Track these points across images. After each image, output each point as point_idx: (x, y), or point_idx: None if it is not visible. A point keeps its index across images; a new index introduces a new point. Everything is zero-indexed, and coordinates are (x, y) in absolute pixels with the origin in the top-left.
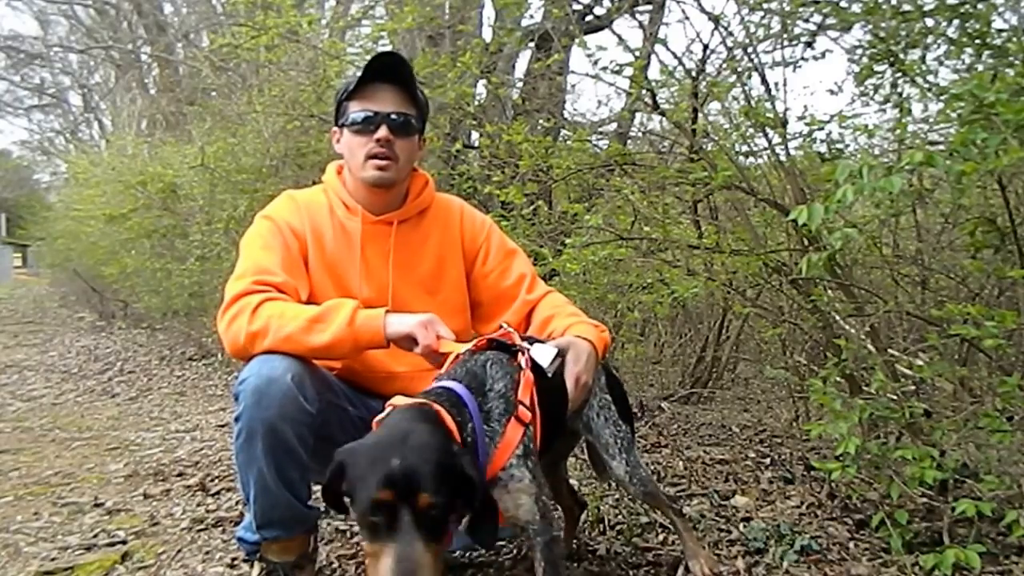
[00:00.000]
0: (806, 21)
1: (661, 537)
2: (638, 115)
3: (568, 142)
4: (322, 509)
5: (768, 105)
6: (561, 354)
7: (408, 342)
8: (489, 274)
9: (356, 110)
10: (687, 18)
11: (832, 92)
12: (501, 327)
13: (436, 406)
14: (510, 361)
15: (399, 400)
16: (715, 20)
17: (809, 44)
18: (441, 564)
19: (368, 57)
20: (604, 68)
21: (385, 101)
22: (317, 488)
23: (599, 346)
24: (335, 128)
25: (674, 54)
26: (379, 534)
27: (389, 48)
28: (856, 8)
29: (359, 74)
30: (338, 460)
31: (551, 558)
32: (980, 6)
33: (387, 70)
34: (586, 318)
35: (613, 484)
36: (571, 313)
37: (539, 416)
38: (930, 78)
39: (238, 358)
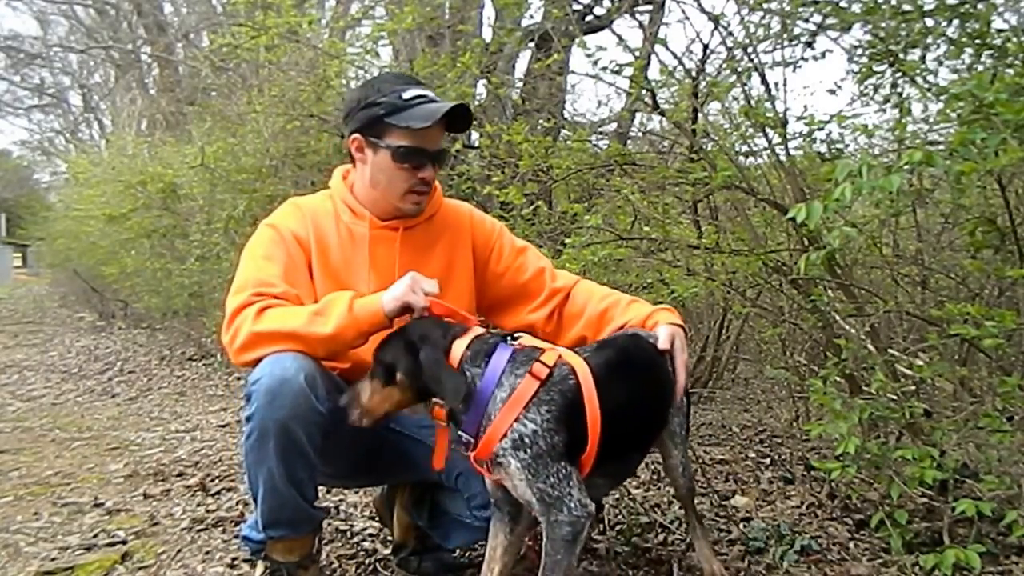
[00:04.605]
0: (806, 21)
1: (661, 537)
2: (638, 115)
3: (568, 142)
4: (327, 510)
5: (768, 105)
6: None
7: (405, 311)
8: (504, 273)
9: (405, 143)
10: (687, 18)
11: (832, 92)
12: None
13: (472, 325)
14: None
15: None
16: (715, 20)
17: (809, 44)
18: (385, 398)
19: (370, 56)
20: (604, 68)
21: (433, 139)
22: (323, 489)
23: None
24: (357, 135)
25: (674, 54)
26: None
27: (389, 47)
28: (856, 8)
29: (416, 103)
30: None
31: (553, 537)
32: (980, 6)
33: (449, 118)
34: (649, 304)
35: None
36: (631, 300)
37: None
38: (930, 78)
39: (245, 365)
